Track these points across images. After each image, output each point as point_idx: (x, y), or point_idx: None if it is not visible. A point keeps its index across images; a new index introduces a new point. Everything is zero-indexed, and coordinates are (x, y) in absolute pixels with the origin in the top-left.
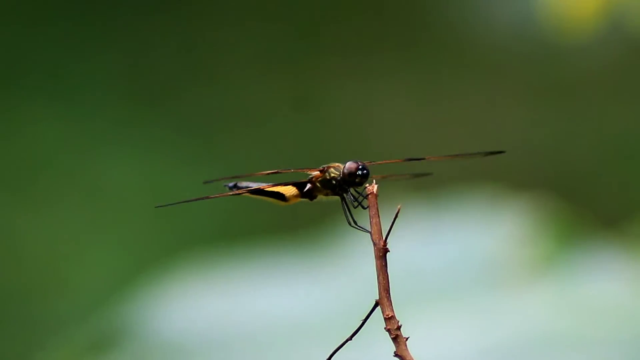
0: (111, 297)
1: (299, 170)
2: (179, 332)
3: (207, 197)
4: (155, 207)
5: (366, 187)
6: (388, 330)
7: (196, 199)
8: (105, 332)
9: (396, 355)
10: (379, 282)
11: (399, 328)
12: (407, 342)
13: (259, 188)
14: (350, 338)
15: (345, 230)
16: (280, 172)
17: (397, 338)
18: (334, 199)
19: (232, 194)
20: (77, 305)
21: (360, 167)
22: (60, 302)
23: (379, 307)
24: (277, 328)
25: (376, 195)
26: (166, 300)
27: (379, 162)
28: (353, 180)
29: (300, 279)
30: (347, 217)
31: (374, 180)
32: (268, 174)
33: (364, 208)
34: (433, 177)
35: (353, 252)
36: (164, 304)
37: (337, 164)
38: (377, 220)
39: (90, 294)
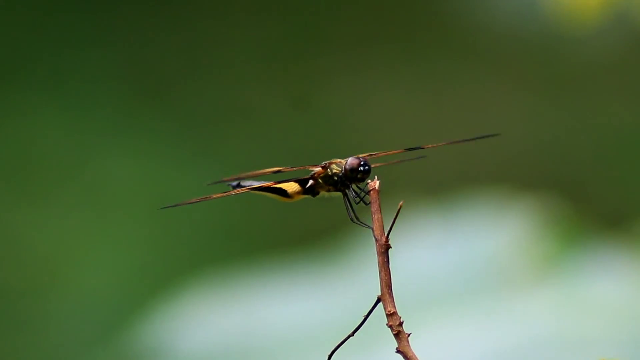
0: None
1: (302, 168)
2: (192, 349)
3: (210, 197)
4: (159, 209)
5: (368, 183)
6: (390, 327)
7: (199, 200)
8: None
9: (398, 351)
10: (380, 279)
11: (401, 324)
12: (409, 338)
13: (261, 185)
14: (352, 334)
15: (353, 241)
16: (283, 171)
17: (399, 334)
18: (336, 195)
19: (235, 193)
20: (77, 305)
21: (362, 163)
22: (59, 302)
23: (381, 304)
24: (290, 340)
25: (378, 191)
26: (177, 318)
27: (379, 153)
28: (355, 176)
29: (310, 290)
30: (349, 213)
31: (376, 176)
32: (271, 172)
33: (365, 204)
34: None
35: (363, 263)
36: (175, 322)
37: (338, 160)
38: (379, 216)
39: (89, 293)
